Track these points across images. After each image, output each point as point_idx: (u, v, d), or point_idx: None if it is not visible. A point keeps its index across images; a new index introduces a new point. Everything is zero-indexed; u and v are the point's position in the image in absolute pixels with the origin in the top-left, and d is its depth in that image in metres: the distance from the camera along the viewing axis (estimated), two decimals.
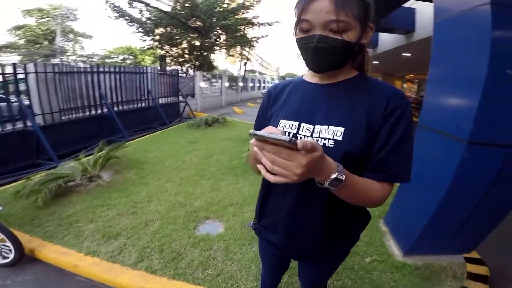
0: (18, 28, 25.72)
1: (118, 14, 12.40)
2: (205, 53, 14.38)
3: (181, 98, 8.72)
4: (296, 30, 0.61)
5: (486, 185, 1.57)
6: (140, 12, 12.88)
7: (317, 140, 0.60)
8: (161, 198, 2.77)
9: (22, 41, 26.15)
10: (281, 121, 0.68)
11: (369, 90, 0.63)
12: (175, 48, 14.34)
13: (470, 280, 1.83)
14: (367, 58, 0.69)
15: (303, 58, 0.64)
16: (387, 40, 7.79)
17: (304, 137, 0.62)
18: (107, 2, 11.99)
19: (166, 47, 14.20)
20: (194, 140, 5.38)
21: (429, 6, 1.88)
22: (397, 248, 2.11)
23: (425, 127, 1.89)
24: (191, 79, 10.20)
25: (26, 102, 4.58)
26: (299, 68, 61.75)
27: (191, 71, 13.73)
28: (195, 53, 14.21)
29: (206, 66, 14.57)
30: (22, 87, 4.58)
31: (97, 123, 5.44)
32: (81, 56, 30.47)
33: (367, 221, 0.79)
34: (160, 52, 14.65)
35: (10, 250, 1.74)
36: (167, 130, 6.55)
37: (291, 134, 0.65)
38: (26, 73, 4.39)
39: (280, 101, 0.73)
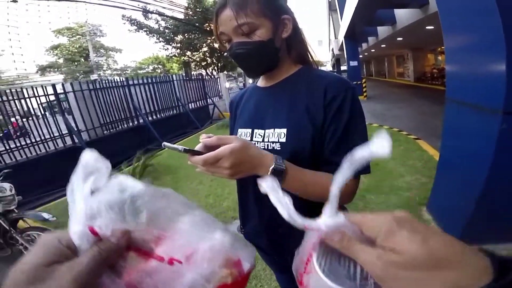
0: (54, 47, 28.18)
1: (136, 27, 12.90)
2: (225, 54, 14.34)
3: (209, 101, 8.81)
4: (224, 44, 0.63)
5: None
6: (156, 23, 13.26)
7: (267, 145, 0.61)
8: (193, 202, 2.80)
9: (61, 60, 28.62)
10: (239, 130, 0.70)
11: (309, 83, 0.62)
12: (196, 53, 14.61)
13: None
14: (305, 49, 0.67)
15: None
16: (404, 15, 7.73)
17: (257, 143, 0.63)
18: (123, 16, 12.48)
19: (188, 53, 14.50)
20: None
21: None
22: None
23: (454, 101, 1.73)
24: (216, 81, 10.26)
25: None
26: (319, 55, 60.40)
27: (215, 73, 13.85)
28: (216, 55, 14.31)
29: (229, 66, 14.61)
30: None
31: (136, 134, 5.68)
32: (115, 69, 32.53)
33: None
34: (183, 58, 15.02)
35: None
36: (200, 133, 6.60)
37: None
38: (65, 93, 4.66)
39: (239, 110, 0.75)
